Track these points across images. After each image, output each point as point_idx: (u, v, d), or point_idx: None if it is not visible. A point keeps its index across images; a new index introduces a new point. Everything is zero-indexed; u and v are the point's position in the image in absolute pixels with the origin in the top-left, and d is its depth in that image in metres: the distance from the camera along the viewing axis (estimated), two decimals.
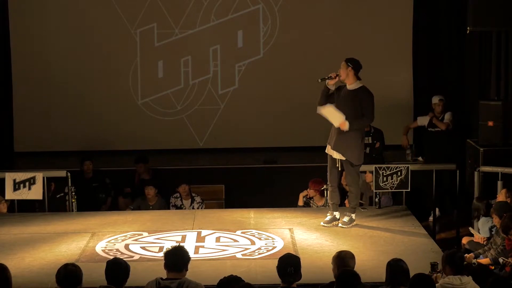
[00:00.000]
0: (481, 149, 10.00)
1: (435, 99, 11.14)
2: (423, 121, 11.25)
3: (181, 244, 5.92)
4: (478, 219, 8.52)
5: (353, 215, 8.61)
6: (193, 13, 12.51)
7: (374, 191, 9.47)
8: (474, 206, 8.61)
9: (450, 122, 11.01)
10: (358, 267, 5.92)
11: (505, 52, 10.79)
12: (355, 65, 8.39)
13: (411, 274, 5.65)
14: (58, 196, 10.45)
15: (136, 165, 11.05)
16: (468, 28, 10.09)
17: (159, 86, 12.64)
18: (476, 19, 9.94)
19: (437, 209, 10.37)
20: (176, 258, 5.81)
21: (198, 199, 10.31)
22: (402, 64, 12.54)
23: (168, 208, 10.34)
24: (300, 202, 10.14)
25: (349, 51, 12.31)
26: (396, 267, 5.72)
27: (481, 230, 8.38)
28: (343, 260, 5.86)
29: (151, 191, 10.28)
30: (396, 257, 5.86)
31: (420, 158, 11.51)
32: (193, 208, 10.17)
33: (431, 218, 10.22)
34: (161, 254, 6.17)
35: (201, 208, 10.21)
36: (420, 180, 10.00)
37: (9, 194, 9.49)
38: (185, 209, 10.21)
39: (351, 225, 8.54)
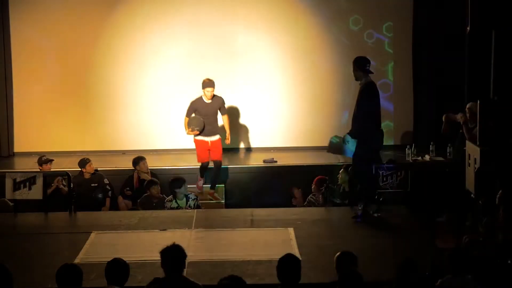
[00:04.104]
0: (480, 148, 9.98)
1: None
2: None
3: (176, 243, 5.90)
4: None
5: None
6: (193, 13, 12.51)
7: None
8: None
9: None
10: (359, 267, 5.92)
11: (505, 52, 10.77)
12: (357, 63, 8.78)
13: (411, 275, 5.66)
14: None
15: (137, 166, 10.96)
16: (468, 28, 10.09)
17: (159, 86, 12.64)
18: (476, 19, 9.94)
19: (438, 209, 10.35)
20: (172, 257, 5.81)
21: (192, 195, 10.24)
22: (402, 64, 12.55)
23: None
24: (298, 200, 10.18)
25: (349, 50, 12.43)
26: (407, 266, 5.72)
27: None
28: (344, 261, 5.86)
29: (155, 190, 10.29)
30: (408, 256, 5.86)
31: (420, 158, 11.51)
32: (189, 207, 10.11)
33: (438, 219, 10.19)
34: None
35: (197, 203, 10.13)
36: (422, 180, 10.00)
37: (9, 194, 9.51)
38: (182, 209, 10.17)
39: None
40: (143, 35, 12.53)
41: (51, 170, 10.69)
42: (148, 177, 10.80)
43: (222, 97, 10.76)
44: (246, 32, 12.55)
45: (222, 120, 10.87)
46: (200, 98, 10.65)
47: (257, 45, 12.58)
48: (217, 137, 10.71)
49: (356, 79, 8.84)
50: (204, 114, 10.61)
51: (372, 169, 8.96)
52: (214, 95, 10.61)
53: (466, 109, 10.33)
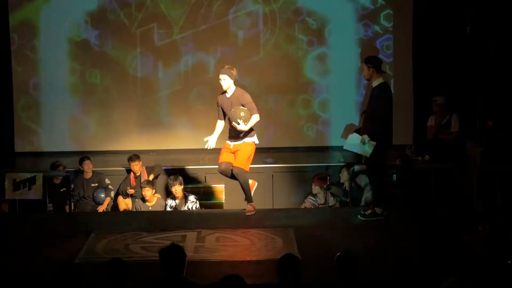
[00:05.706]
0: (480, 148, 10.00)
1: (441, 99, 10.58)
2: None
3: (176, 243, 5.91)
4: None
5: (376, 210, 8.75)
6: (193, 13, 12.51)
7: None
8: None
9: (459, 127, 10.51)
10: (359, 267, 5.91)
11: (505, 52, 10.79)
12: (375, 63, 8.45)
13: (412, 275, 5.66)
14: (62, 190, 10.52)
15: (131, 164, 10.97)
16: (468, 28, 10.10)
17: (159, 86, 12.64)
18: (476, 19, 9.95)
19: (438, 209, 10.36)
20: (172, 257, 5.81)
21: (192, 198, 10.24)
22: (402, 64, 12.55)
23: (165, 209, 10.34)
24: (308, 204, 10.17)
25: (349, 50, 12.43)
26: (402, 265, 5.73)
27: None
28: (345, 261, 5.86)
29: (148, 192, 10.30)
30: (404, 255, 5.86)
31: (420, 158, 11.50)
32: (188, 209, 10.11)
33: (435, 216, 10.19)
34: None
35: (196, 207, 10.14)
36: (423, 179, 10.01)
37: (9, 194, 9.52)
38: (179, 208, 10.17)
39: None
40: (142, 33, 12.54)
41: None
42: (139, 169, 10.84)
43: (245, 89, 8.97)
44: (248, 28, 12.55)
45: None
46: (224, 92, 8.92)
47: (257, 43, 12.57)
48: (241, 141, 8.86)
49: (368, 79, 8.53)
50: (227, 112, 8.86)
51: (385, 172, 8.92)
52: (236, 88, 8.82)
53: (433, 102, 10.40)
